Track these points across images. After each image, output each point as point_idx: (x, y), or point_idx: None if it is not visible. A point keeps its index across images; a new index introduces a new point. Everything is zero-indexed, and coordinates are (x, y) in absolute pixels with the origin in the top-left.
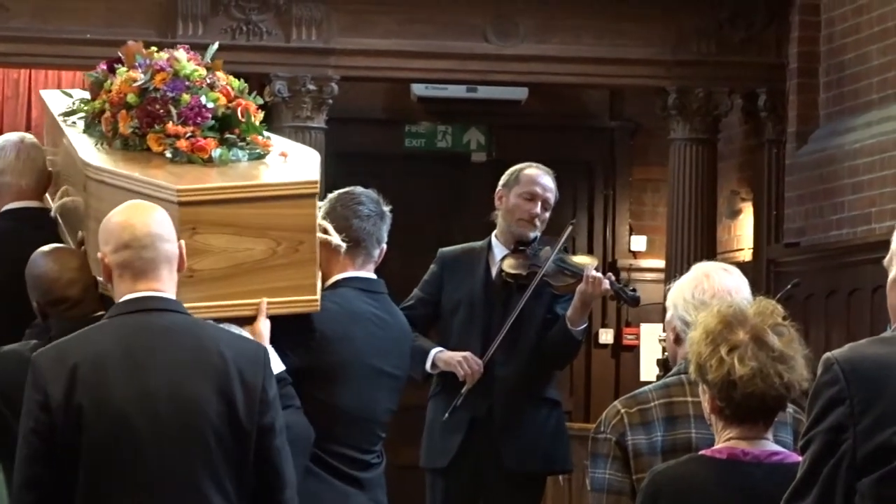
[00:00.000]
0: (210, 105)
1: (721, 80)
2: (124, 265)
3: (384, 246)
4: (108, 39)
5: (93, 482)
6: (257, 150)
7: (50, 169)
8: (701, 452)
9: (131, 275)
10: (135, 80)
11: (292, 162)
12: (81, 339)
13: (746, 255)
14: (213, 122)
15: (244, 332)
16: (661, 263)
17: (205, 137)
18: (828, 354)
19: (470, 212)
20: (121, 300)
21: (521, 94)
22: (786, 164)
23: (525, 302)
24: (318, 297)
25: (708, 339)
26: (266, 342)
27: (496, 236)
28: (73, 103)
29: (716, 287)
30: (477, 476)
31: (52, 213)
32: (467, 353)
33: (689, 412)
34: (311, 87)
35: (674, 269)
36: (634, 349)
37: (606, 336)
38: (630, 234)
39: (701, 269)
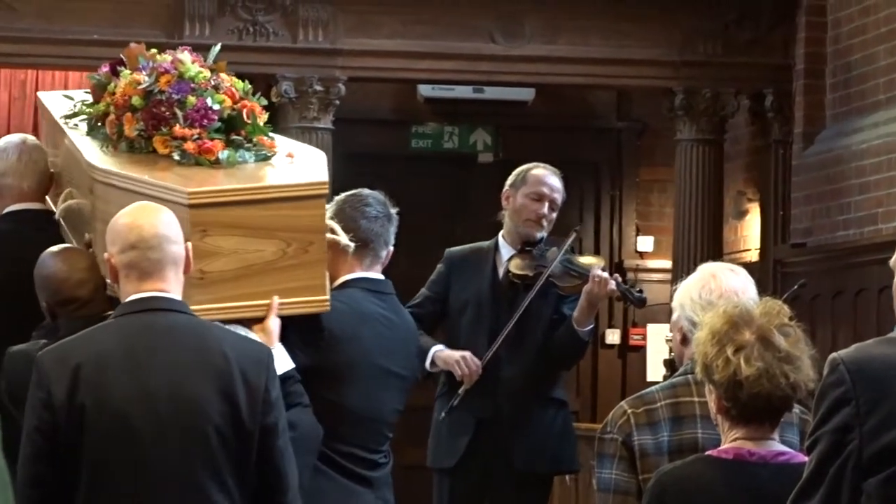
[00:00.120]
0: (216, 107)
1: (728, 81)
2: (130, 266)
3: (391, 248)
4: (114, 40)
5: (95, 481)
6: (264, 152)
7: (51, 170)
8: (707, 453)
9: (137, 275)
10: (139, 83)
11: (300, 163)
12: (85, 339)
13: (753, 256)
14: (219, 123)
15: (250, 334)
16: (667, 264)
17: (211, 139)
18: (834, 355)
19: (476, 212)
20: (126, 300)
21: (527, 94)
22: (792, 165)
23: (530, 302)
24: (328, 297)
25: (714, 340)
26: (276, 339)
27: (503, 236)
28: (75, 105)
29: (722, 287)
30: (485, 476)
31: (57, 216)
32: (466, 353)
33: (695, 412)
34: (318, 87)
35: (680, 270)
36: (641, 349)
37: (613, 336)
38: (637, 235)
39: (707, 269)
